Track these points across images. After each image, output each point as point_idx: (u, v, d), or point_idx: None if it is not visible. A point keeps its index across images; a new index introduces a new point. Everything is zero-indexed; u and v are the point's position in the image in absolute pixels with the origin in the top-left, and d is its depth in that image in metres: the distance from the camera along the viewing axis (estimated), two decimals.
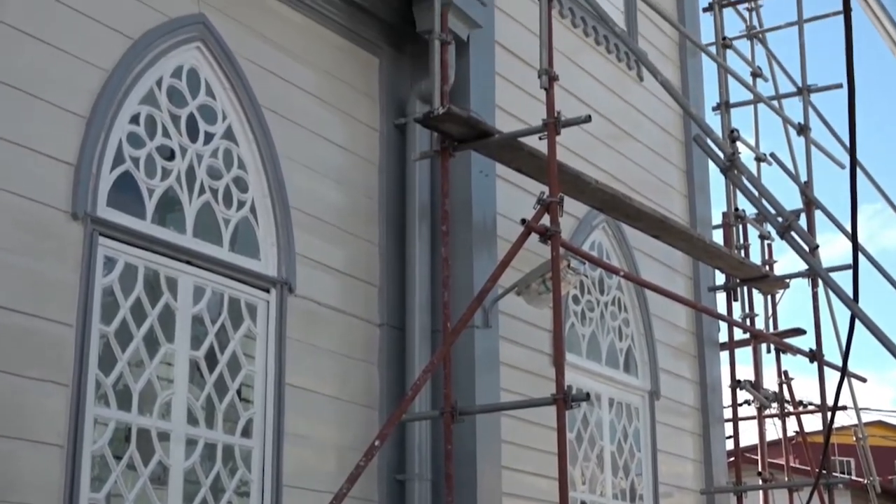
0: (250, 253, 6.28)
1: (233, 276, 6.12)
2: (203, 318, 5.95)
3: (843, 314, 10.37)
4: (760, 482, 10.03)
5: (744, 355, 10.30)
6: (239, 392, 6.10)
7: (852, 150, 4.87)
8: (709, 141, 8.33)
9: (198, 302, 5.92)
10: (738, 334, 9.96)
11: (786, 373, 10.67)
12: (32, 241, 5.13)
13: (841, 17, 4.56)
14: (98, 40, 5.57)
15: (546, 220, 6.68)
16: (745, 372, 11.57)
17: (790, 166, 10.09)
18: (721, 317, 9.66)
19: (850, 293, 5.91)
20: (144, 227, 5.67)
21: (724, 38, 10.40)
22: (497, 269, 6.76)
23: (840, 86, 9.97)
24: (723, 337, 10.07)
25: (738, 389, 9.77)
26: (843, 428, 14.46)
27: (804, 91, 10.55)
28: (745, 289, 10.00)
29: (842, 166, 10.45)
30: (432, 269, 7.06)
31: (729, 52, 10.42)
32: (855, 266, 5.38)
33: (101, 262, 5.43)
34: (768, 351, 10.26)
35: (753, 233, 10.48)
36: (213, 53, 6.20)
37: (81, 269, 5.29)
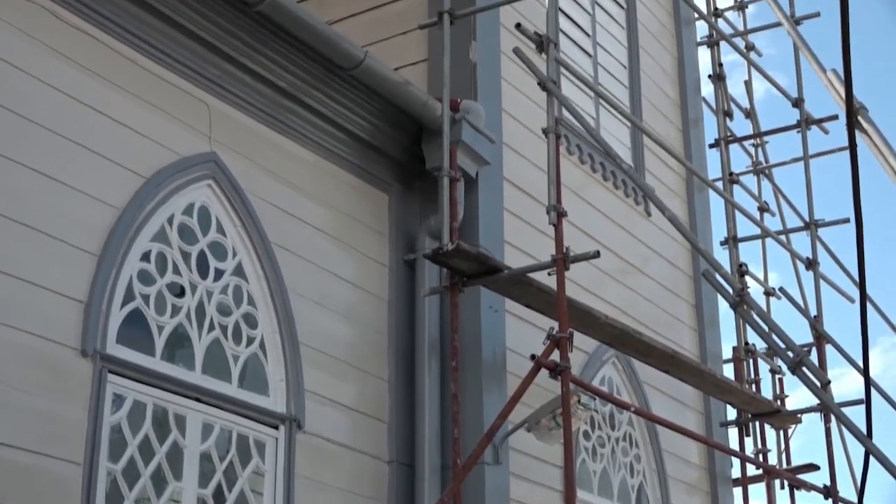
0: (259, 389, 6.26)
1: (241, 412, 6.09)
2: (211, 456, 5.91)
3: (857, 449, 10.27)
4: None
5: (757, 492, 10.17)
6: None
7: (862, 285, 4.88)
8: (718, 276, 8.34)
9: (206, 439, 5.88)
10: (751, 470, 9.85)
11: None
12: (41, 378, 5.12)
13: (846, 153, 4.60)
14: (111, 179, 5.63)
15: (556, 355, 6.66)
16: None
17: (799, 301, 10.09)
18: (733, 452, 9.57)
19: (864, 429, 5.86)
20: (154, 363, 5.67)
21: (730, 174, 10.49)
22: (507, 405, 6.73)
23: (847, 220, 10.04)
24: (735, 473, 9.96)
25: None
26: None
27: (811, 226, 10.59)
28: (758, 424, 9.92)
29: (851, 300, 10.45)
30: (442, 405, 7.02)
31: (736, 188, 10.51)
32: (868, 401, 5.35)
33: (110, 400, 5.41)
34: (782, 487, 10.13)
35: (764, 367, 10.43)
36: (224, 191, 6.26)
37: (90, 407, 5.26)
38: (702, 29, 11.22)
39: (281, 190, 6.62)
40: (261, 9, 6.32)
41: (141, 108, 5.89)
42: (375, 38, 8.02)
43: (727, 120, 10.93)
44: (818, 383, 8.18)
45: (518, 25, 7.14)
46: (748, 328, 9.89)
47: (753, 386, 10.10)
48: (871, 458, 5.85)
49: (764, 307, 10.03)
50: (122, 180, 5.69)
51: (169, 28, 6.09)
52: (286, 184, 6.67)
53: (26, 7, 5.43)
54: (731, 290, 8.17)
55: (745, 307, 8.11)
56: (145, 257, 5.76)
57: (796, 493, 10.33)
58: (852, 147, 4.55)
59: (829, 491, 9.60)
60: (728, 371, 10.08)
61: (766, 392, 10.35)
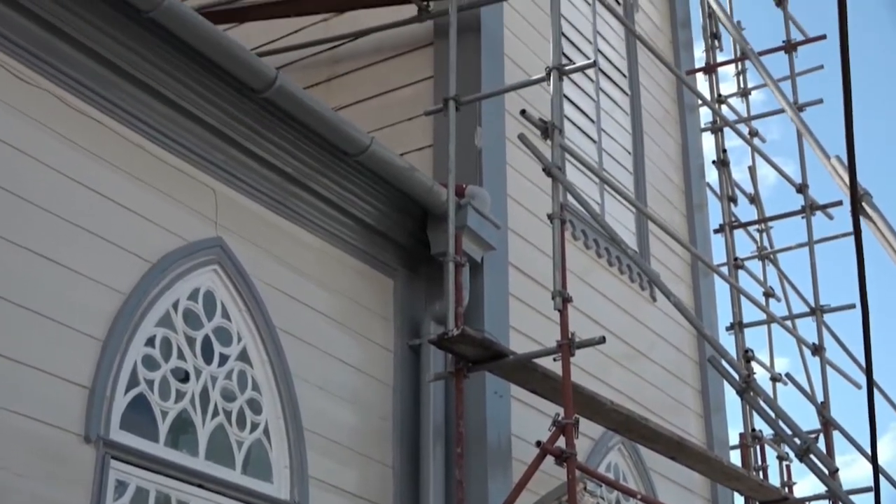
0: (263, 476, 6.21)
1: (245, 499, 6.03)
2: None
3: None
4: None
5: None
6: None
7: (869, 371, 4.86)
8: (723, 362, 8.31)
9: None
10: None
11: None
12: (43, 464, 5.08)
13: (851, 238, 4.61)
14: (116, 264, 5.63)
15: (561, 441, 6.62)
16: None
17: (806, 387, 10.04)
18: None
19: None
20: (157, 449, 5.63)
21: (735, 259, 10.50)
22: (512, 493, 6.67)
23: (853, 306, 10.01)
24: None
25: None
26: None
27: (817, 311, 10.57)
28: None
29: (858, 387, 10.39)
30: (447, 492, 6.96)
31: (741, 273, 10.51)
32: (876, 489, 5.31)
33: (113, 486, 5.37)
34: None
35: (772, 454, 10.35)
36: (229, 276, 6.26)
37: (92, 493, 5.22)
38: (706, 115, 11.31)
39: (286, 275, 6.63)
40: (267, 95, 6.37)
41: (147, 193, 5.91)
42: (381, 123, 8.08)
43: (732, 205, 10.96)
44: (826, 471, 8.12)
45: (523, 112, 7.18)
46: (755, 414, 9.83)
47: (761, 473, 10.01)
48: None
49: (770, 393, 9.98)
50: (128, 265, 5.70)
51: (175, 114, 6.13)
52: (292, 269, 6.68)
53: (34, 93, 5.47)
54: (737, 377, 8.14)
55: (751, 394, 8.07)
56: (150, 342, 5.75)
57: None
58: (857, 234, 4.56)
59: None
60: (735, 458, 10.00)
61: (774, 479, 10.26)
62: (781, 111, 10.97)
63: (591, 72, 9.44)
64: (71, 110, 5.62)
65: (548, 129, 7.16)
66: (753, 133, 11.40)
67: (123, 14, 5.78)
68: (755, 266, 11.00)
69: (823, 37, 11.14)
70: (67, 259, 5.40)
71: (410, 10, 8.26)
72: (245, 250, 6.39)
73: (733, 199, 11.03)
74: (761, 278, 10.87)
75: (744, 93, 11.78)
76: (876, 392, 7.08)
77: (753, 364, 9.53)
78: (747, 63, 11.52)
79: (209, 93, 6.25)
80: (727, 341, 9.93)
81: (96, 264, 5.54)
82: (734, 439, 10.14)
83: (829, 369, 10.35)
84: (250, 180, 6.53)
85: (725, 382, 9.51)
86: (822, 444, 9.59)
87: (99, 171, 5.68)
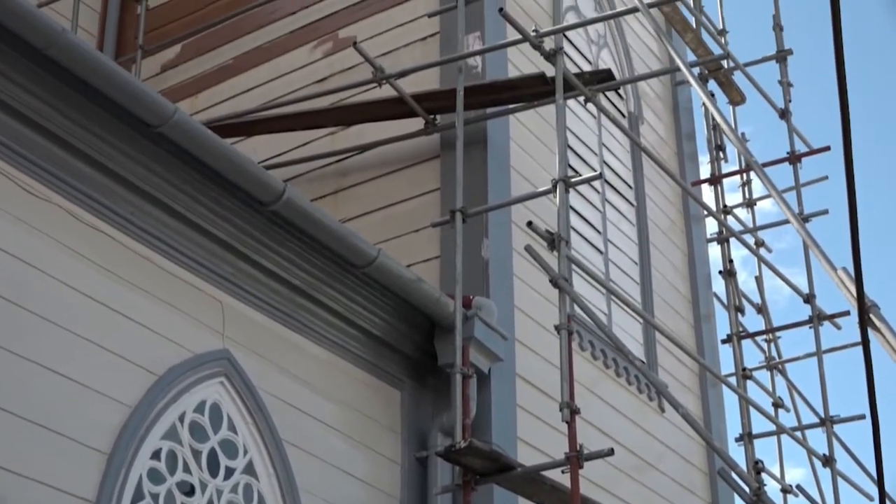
0: None
1: None
2: None
3: None
4: None
5: None
6: None
7: (880, 483, 4.82)
8: (733, 474, 8.24)
9: None
10: None
11: None
12: None
13: (860, 348, 4.60)
14: (122, 377, 5.62)
15: None
16: None
17: (817, 498, 9.93)
18: None
19: None
20: None
21: (744, 370, 10.45)
22: None
23: (863, 417, 9.93)
24: None
25: None
26: None
27: (827, 422, 10.50)
28: None
29: (870, 498, 10.28)
30: None
31: (750, 384, 10.44)
32: None
33: None
34: None
35: None
36: (236, 388, 6.25)
37: None
38: (712, 225, 11.34)
39: (293, 387, 6.61)
40: (275, 208, 6.41)
41: (154, 305, 5.92)
42: (388, 235, 8.11)
43: (739, 315, 10.94)
44: None
45: (529, 223, 7.22)
46: None
47: None
48: None
49: None
50: (134, 378, 5.68)
51: (184, 226, 6.17)
52: (298, 381, 6.66)
53: (43, 206, 5.51)
54: (747, 489, 8.06)
55: None
56: (155, 455, 5.71)
57: None
58: (865, 346, 4.55)
59: None
60: None
61: None
62: (787, 222, 11.00)
63: (596, 183, 9.50)
64: (80, 224, 5.66)
65: (554, 241, 7.19)
66: (760, 243, 11.43)
67: (133, 128, 5.84)
68: (764, 376, 10.95)
69: (827, 148, 11.21)
70: (73, 372, 5.39)
71: (417, 124, 8.35)
72: (252, 362, 6.37)
73: (741, 310, 11.01)
74: (770, 389, 10.81)
75: (749, 203, 11.82)
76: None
77: (764, 476, 9.44)
78: (752, 174, 11.59)
79: (217, 206, 6.29)
80: (737, 452, 9.86)
81: (102, 377, 5.52)
82: None
83: (840, 481, 10.25)
84: (257, 292, 6.55)
85: (736, 495, 9.42)
86: None
87: (106, 283, 5.70)
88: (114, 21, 10.03)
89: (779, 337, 11.32)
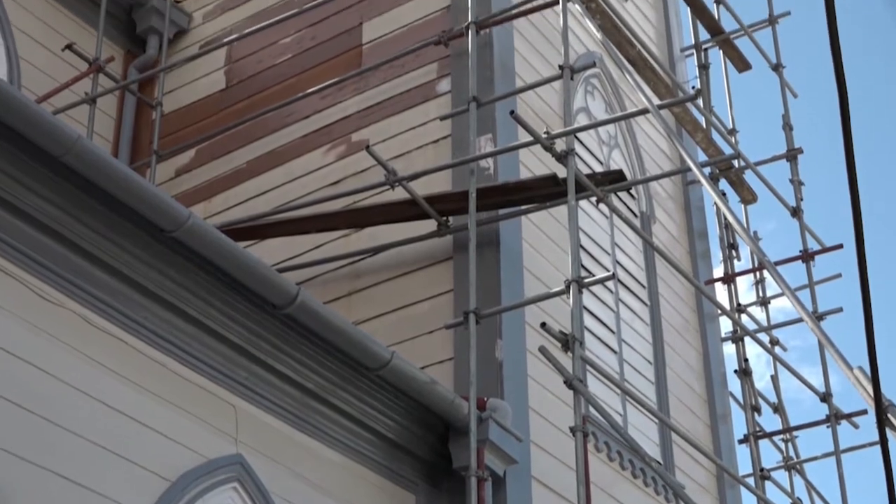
0: None
1: None
2: None
3: None
4: None
5: None
6: None
7: None
8: None
9: None
10: None
11: None
12: None
13: (878, 447, 4.56)
14: (136, 483, 5.59)
15: None
16: None
17: None
18: None
19: None
20: None
21: (761, 470, 10.36)
22: None
23: None
24: None
25: None
26: None
27: None
28: None
29: None
30: None
31: (768, 484, 10.35)
32: None
33: None
34: None
35: None
36: (249, 493, 6.20)
37: None
38: (726, 324, 11.32)
39: (307, 491, 6.55)
40: (289, 311, 6.41)
41: (168, 410, 5.90)
42: (402, 337, 8.09)
43: (755, 415, 10.87)
44: None
45: (543, 325, 7.20)
46: None
47: None
48: None
49: None
50: (147, 484, 5.65)
51: (198, 331, 6.17)
52: (312, 485, 6.61)
53: (57, 312, 5.53)
54: None
55: None
56: None
57: None
58: (884, 445, 4.51)
59: None
60: None
61: None
62: (801, 320, 10.97)
63: (610, 283, 9.49)
64: (94, 329, 5.67)
65: (568, 342, 7.17)
66: (774, 342, 11.39)
67: (147, 233, 5.88)
68: (782, 476, 10.84)
69: (840, 246, 11.23)
70: (86, 479, 5.36)
71: (430, 225, 8.38)
72: (265, 467, 6.33)
73: (757, 409, 10.94)
74: (789, 489, 10.70)
75: (763, 301, 11.81)
76: None
77: None
78: (766, 272, 11.58)
79: (231, 310, 6.30)
80: None
81: (115, 484, 5.49)
82: None
83: None
84: (271, 396, 6.52)
85: None
86: None
87: (120, 389, 5.69)
88: (129, 126, 10.13)
89: (796, 436, 11.24)
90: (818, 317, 11.00)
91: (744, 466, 10.63)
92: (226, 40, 10.04)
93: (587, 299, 8.97)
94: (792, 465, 11.04)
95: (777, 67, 12.26)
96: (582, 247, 9.01)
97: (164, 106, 9.97)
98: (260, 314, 6.41)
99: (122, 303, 5.83)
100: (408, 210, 8.35)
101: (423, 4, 9.46)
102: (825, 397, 10.96)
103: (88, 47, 9.49)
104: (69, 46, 9.28)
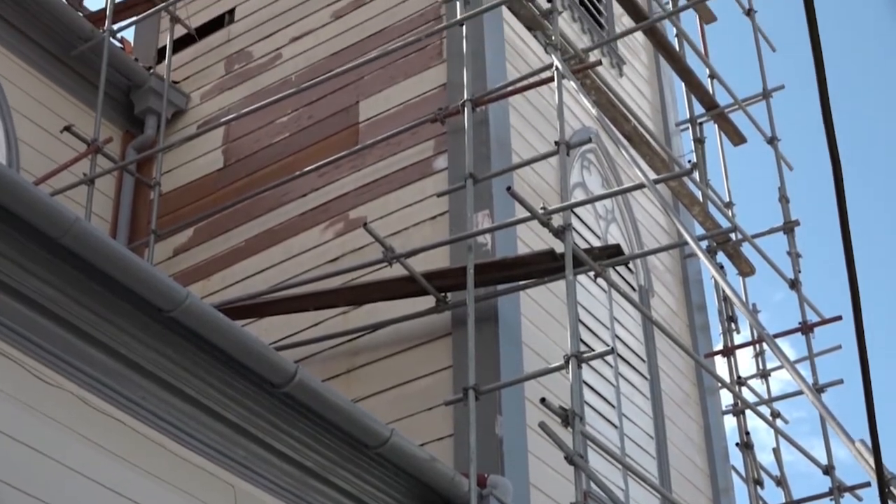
0: None
1: None
2: None
3: None
4: None
5: None
6: None
7: None
8: None
9: None
10: None
11: None
12: None
13: None
14: None
15: None
16: None
17: None
18: None
19: None
20: None
21: None
22: None
23: None
24: None
25: None
26: None
27: None
28: None
29: None
30: None
31: None
32: None
33: None
34: None
35: None
36: None
37: None
38: (727, 397, 11.27)
39: None
40: (287, 389, 6.39)
41: (166, 490, 5.87)
42: (401, 414, 8.06)
43: (758, 488, 10.79)
44: None
45: (543, 400, 7.18)
46: None
47: None
48: None
49: None
50: None
51: (196, 410, 6.15)
52: None
53: (55, 393, 5.51)
54: None
55: None
56: None
57: None
58: None
59: None
60: None
61: None
62: (801, 393, 10.93)
63: (609, 357, 9.47)
64: (92, 410, 5.65)
65: (568, 417, 7.14)
66: (776, 415, 11.33)
67: (145, 314, 5.88)
68: None
69: (839, 318, 11.20)
70: None
71: (428, 302, 8.38)
72: None
73: (760, 483, 10.87)
74: None
75: (764, 374, 11.76)
76: None
77: None
78: (765, 344, 11.56)
79: (230, 389, 6.28)
80: None
81: None
82: None
83: None
84: (270, 475, 6.48)
85: None
86: None
87: (118, 470, 5.66)
88: (127, 206, 10.16)
89: None
90: (819, 389, 10.95)
91: None
92: (223, 120, 10.10)
93: (587, 374, 8.94)
94: None
95: (772, 140, 12.31)
96: (581, 321, 9.00)
97: (163, 185, 10.02)
98: (258, 393, 6.39)
99: (120, 383, 5.81)
100: (406, 287, 8.36)
101: (418, 83, 9.54)
102: (828, 470, 10.89)
103: (87, 128, 9.54)
104: (68, 128, 9.33)
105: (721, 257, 11.44)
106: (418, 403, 8.15)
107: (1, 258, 5.42)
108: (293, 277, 9.05)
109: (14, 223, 5.40)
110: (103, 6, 10.73)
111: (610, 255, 8.46)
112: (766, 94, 12.45)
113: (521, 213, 8.21)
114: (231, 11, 11.14)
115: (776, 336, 11.21)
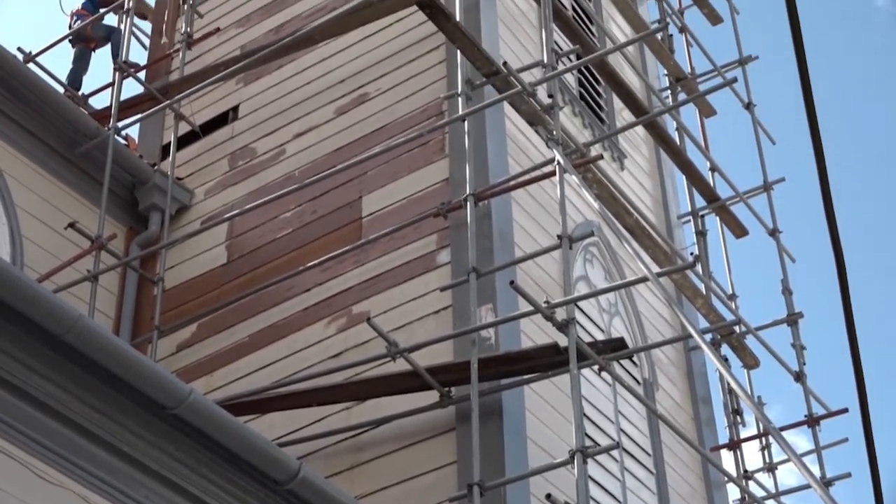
0: None
1: None
2: None
3: None
4: None
5: None
6: None
7: None
8: None
9: None
10: None
11: None
12: None
13: None
14: None
15: None
16: None
17: None
18: None
19: None
20: None
21: None
22: None
23: None
24: None
25: None
26: None
27: None
28: None
29: None
30: None
31: None
32: None
33: None
34: None
35: None
36: None
37: None
38: (733, 491, 11.16)
39: None
40: (291, 486, 6.35)
41: None
42: None
43: None
44: None
45: (548, 496, 7.13)
46: None
47: None
48: None
49: None
50: None
51: None
52: None
53: (58, 493, 5.47)
54: None
55: None
56: None
57: None
58: None
59: None
60: None
61: None
62: (808, 486, 10.82)
63: (614, 452, 9.40)
64: None
65: None
66: None
67: (148, 411, 5.86)
68: None
69: (845, 410, 11.12)
70: None
71: (432, 396, 8.34)
72: None
73: None
74: None
75: (770, 468, 11.66)
76: None
77: None
78: (771, 438, 11.47)
79: (232, 486, 6.23)
80: None
81: None
82: None
83: None
84: None
85: None
86: None
87: None
88: (131, 302, 10.16)
89: None
90: (826, 483, 10.84)
91: None
92: (227, 216, 10.13)
93: (592, 469, 8.87)
94: None
95: (774, 232, 12.34)
96: (585, 415, 8.94)
97: (166, 281, 10.03)
98: (262, 490, 6.34)
99: (123, 481, 5.77)
100: (410, 381, 8.33)
101: (421, 178, 9.59)
102: None
103: (91, 225, 9.57)
104: (72, 225, 9.36)
105: (725, 350, 11.40)
106: (423, 500, 8.07)
107: (3, 355, 5.41)
108: (297, 373, 9.02)
109: (17, 320, 5.40)
110: (108, 104, 10.82)
111: (614, 348, 8.44)
112: (766, 187, 12.51)
113: (525, 306, 8.20)
114: (235, 108, 11.22)
115: (782, 429, 11.13)
